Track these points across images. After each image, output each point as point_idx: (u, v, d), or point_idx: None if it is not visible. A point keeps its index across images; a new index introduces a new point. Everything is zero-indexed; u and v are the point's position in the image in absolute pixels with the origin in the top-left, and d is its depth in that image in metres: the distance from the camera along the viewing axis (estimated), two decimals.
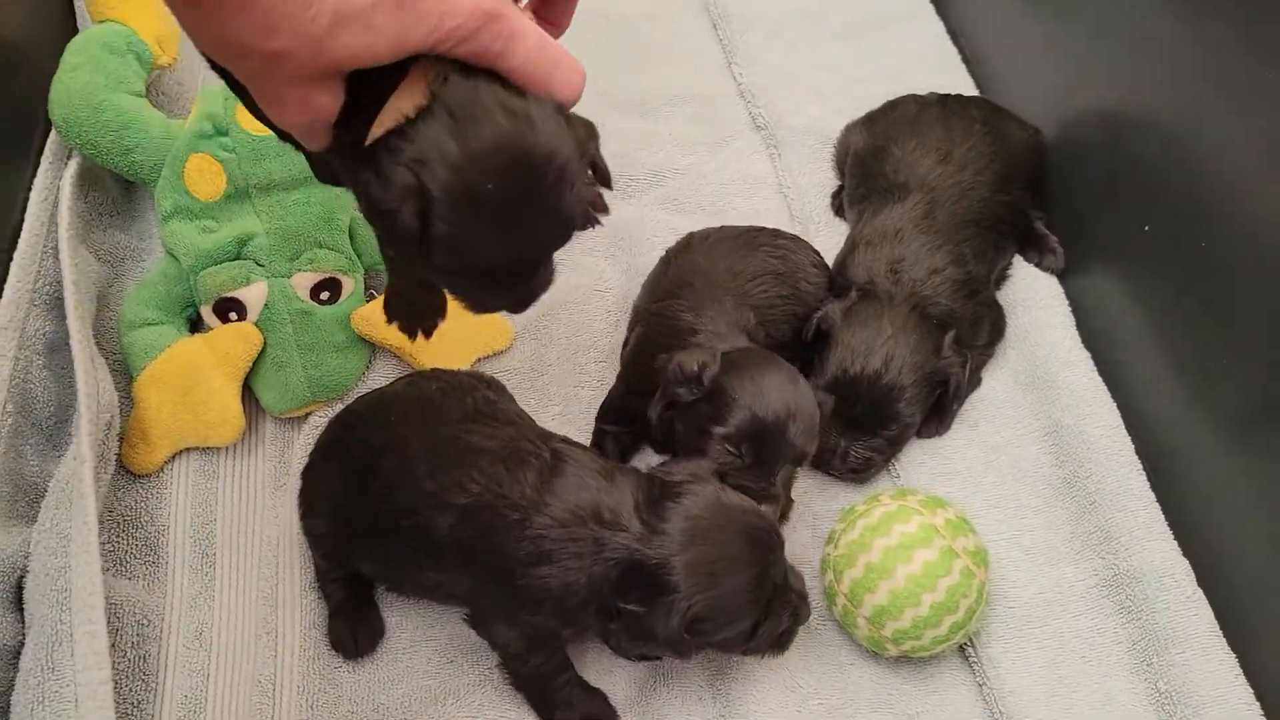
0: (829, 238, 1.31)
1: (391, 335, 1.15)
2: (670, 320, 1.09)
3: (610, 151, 1.31)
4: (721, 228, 1.21)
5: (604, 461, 0.92)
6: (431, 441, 0.93)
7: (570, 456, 0.90)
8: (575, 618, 0.88)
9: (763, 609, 0.87)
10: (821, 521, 1.12)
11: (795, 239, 1.22)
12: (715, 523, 0.85)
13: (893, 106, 1.31)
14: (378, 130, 0.65)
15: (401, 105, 0.65)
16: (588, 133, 0.72)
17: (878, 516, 1.01)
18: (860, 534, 1.01)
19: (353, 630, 1.01)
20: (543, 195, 0.66)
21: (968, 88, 1.43)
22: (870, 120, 1.31)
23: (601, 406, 1.16)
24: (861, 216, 1.23)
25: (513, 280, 0.73)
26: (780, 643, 0.93)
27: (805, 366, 1.13)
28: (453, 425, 0.94)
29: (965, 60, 1.46)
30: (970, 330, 1.16)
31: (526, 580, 0.86)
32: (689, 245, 1.17)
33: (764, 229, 1.21)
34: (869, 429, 1.11)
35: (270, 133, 1.17)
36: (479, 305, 0.75)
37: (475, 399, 0.99)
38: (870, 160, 1.26)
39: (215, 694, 1.01)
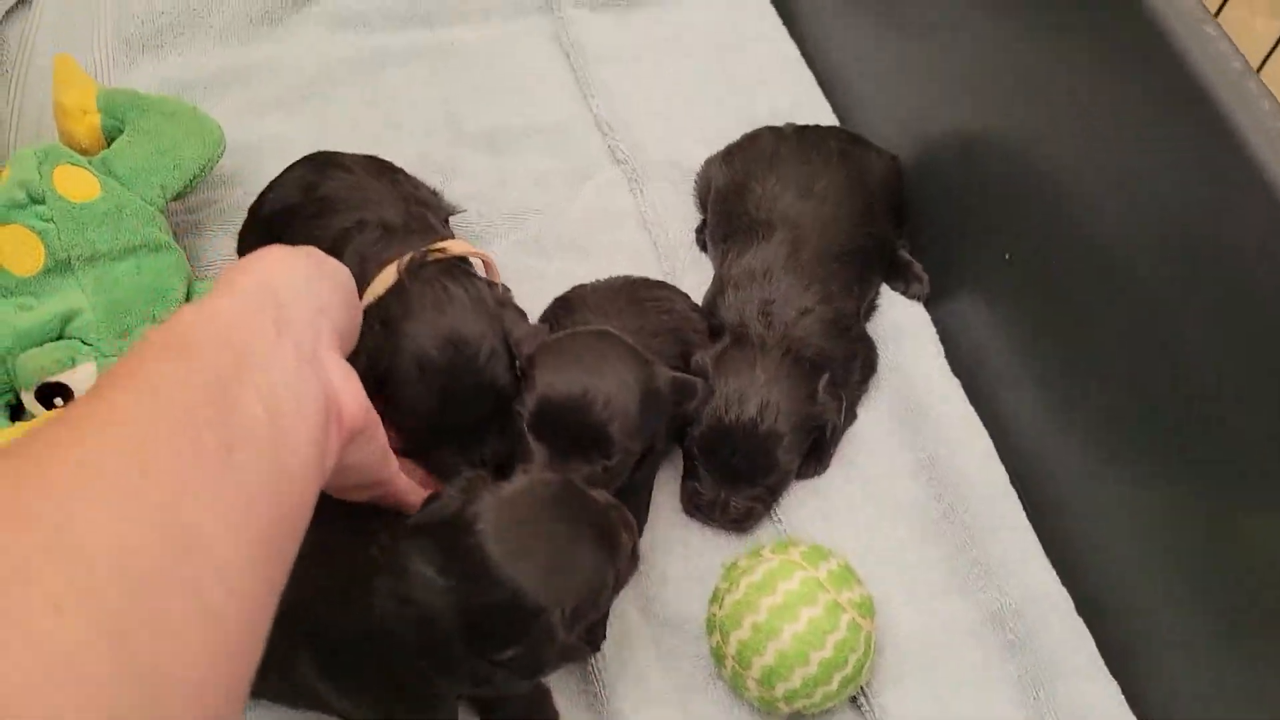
0: (696, 273, 1.28)
1: None
2: None
3: (463, 192, 1.28)
4: (597, 284, 1.16)
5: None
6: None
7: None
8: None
9: (610, 551, 0.79)
10: (706, 576, 1.09)
11: (668, 287, 1.19)
12: (519, 521, 0.75)
13: (751, 140, 1.28)
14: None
15: (376, 289, 0.97)
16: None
17: (761, 574, 0.99)
18: (745, 593, 0.98)
19: None
20: (477, 367, 0.93)
21: (825, 113, 1.42)
22: (729, 155, 1.28)
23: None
24: (726, 255, 1.20)
25: (464, 441, 0.95)
26: (634, 560, 0.86)
27: None
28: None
29: (820, 84, 1.45)
30: (844, 368, 1.15)
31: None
32: (570, 306, 1.12)
33: (639, 280, 1.18)
34: (748, 478, 1.09)
35: (94, 198, 1.09)
36: (440, 466, 0.96)
37: None
38: (732, 197, 1.23)
39: None
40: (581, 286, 1.17)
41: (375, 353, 0.91)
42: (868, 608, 0.99)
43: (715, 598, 1.02)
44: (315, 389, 0.61)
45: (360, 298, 0.87)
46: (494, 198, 1.35)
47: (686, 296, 1.19)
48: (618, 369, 0.93)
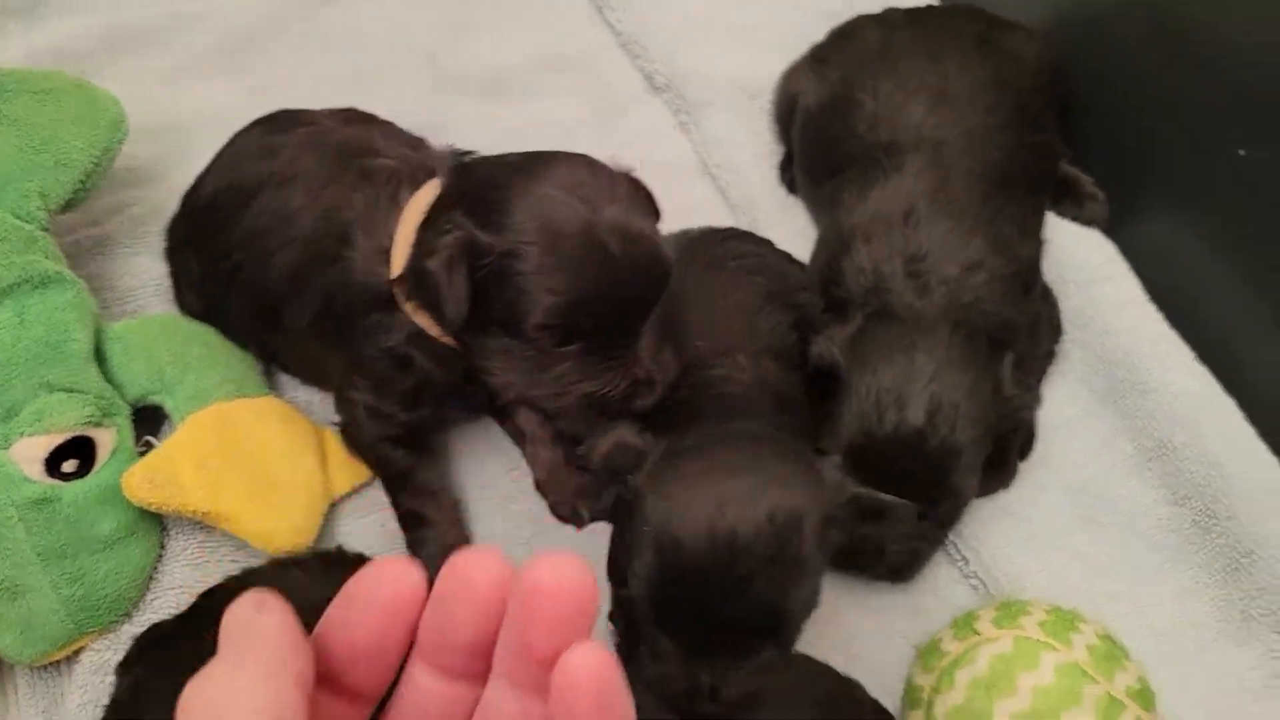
0: (787, 225, 0.96)
1: (194, 495, 0.75)
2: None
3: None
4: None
5: None
6: None
7: None
8: None
9: None
10: (885, 662, 0.76)
11: (750, 237, 0.87)
12: None
13: (846, 37, 0.94)
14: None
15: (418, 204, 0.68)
16: None
17: (986, 662, 0.67)
18: (967, 696, 0.66)
19: None
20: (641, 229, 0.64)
21: None
22: (819, 60, 0.94)
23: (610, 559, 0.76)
24: (839, 197, 0.87)
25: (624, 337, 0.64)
26: None
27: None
28: None
29: None
30: (1029, 340, 0.82)
31: None
32: None
33: (709, 232, 0.86)
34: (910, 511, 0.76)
35: None
36: (576, 396, 0.65)
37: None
38: (832, 118, 0.90)
39: None
40: None
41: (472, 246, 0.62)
42: (1149, 693, 0.67)
43: (914, 700, 0.70)
44: None
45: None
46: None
47: (773, 245, 0.87)
48: (781, 497, 0.57)
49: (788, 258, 0.85)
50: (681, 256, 0.81)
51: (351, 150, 0.77)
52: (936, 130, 0.84)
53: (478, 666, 0.31)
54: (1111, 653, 0.67)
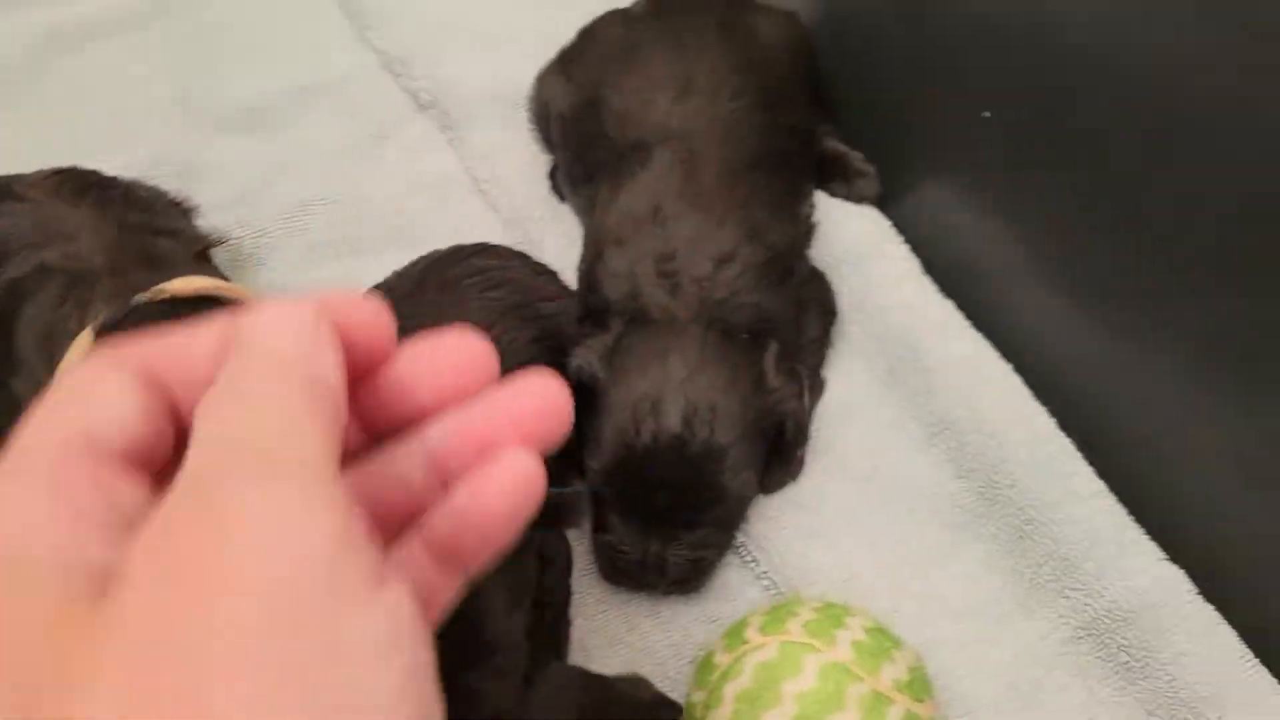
0: (562, 236, 0.92)
1: None
2: None
3: (220, 197, 0.91)
4: (399, 275, 0.80)
5: None
6: None
7: None
8: None
9: None
10: (675, 675, 0.74)
11: (493, 250, 0.83)
12: None
13: (590, 35, 0.92)
14: None
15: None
16: None
17: (751, 673, 0.64)
18: (734, 711, 0.63)
19: None
20: None
21: None
22: (566, 63, 0.91)
23: None
24: (591, 203, 0.84)
25: None
26: None
27: None
28: None
29: None
30: (794, 328, 0.80)
31: None
32: None
33: (446, 254, 0.82)
34: (685, 519, 0.74)
35: None
36: None
37: None
38: (584, 121, 0.87)
39: None
40: (378, 285, 0.80)
41: None
42: (922, 682, 0.65)
43: (690, 717, 0.67)
44: None
45: None
46: (263, 195, 0.98)
47: (525, 257, 0.84)
48: None
49: (538, 269, 0.82)
50: (420, 282, 0.77)
51: (44, 237, 0.72)
52: (683, 123, 0.81)
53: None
54: (879, 646, 0.64)
